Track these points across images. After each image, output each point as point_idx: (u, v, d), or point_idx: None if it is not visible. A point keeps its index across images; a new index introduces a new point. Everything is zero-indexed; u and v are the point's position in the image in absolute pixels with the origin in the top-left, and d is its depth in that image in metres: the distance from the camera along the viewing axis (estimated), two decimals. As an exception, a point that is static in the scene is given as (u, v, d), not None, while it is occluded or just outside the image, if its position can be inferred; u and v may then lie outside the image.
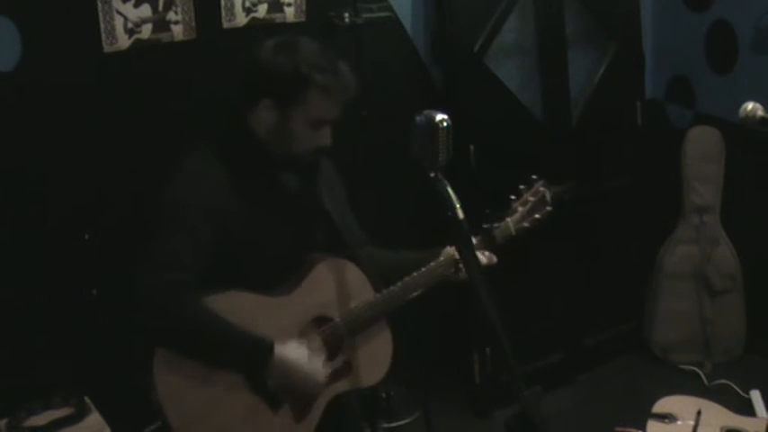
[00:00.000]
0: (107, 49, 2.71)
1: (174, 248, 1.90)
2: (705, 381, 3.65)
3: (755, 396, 3.42)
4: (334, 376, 2.08)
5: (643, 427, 2.95)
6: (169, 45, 2.83)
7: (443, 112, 1.63)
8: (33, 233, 2.70)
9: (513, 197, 2.23)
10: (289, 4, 3.03)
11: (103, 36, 2.70)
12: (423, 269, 2.12)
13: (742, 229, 3.75)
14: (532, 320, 3.55)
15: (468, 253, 1.60)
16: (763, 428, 2.88)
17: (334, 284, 2.09)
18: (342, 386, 2.11)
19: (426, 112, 1.64)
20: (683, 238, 3.82)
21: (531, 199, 2.22)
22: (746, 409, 3.31)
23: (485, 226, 2.19)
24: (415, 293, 2.12)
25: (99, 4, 2.67)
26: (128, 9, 2.73)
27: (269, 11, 3.00)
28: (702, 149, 3.77)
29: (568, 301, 3.73)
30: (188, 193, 1.95)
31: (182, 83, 2.85)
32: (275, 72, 1.95)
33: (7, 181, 2.64)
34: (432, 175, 1.61)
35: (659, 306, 3.87)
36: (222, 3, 2.90)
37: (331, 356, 2.09)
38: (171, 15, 2.82)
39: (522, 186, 2.23)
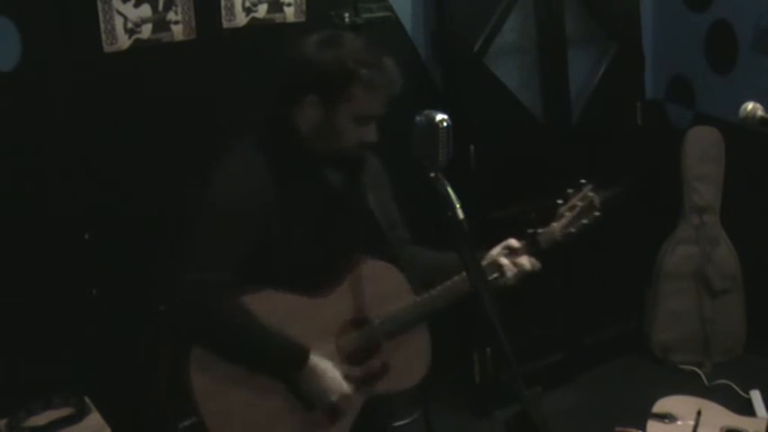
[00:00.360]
0: (107, 49, 2.71)
1: (207, 249, 1.88)
2: (705, 381, 3.65)
3: (755, 396, 3.42)
4: (371, 379, 2.05)
5: (643, 427, 2.95)
6: (169, 45, 2.83)
7: (443, 112, 1.63)
8: (33, 233, 2.70)
9: (560, 201, 2.15)
10: (289, 4, 3.03)
11: (103, 36, 2.70)
12: (464, 273, 2.00)
13: (742, 229, 3.75)
14: (532, 320, 3.55)
15: (468, 253, 1.60)
16: (763, 428, 2.88)
17: (374, 286, 2.04)
18: (378, 388, 2.07)
19: (426, 112, 1.64)
20: (683, 238, 3.82)
21: (579, 204, 2.15)
22: (746, 409, 3.31)
23: (529, 231, 2.12)
24: (456, 297, 2.06)
25: (99, 4, 2.67)
26: (128, 9, 2.73)
27: (269, 11, 3.00)
28: (702, 149, 3.76)
29: (568, 300, 3.73)
30: (226, 193, 1.92)
31: (182, 83, 2.85)
32: (321, 68, 1.92)
33: (7, 181, 2.64)
34: (432, 175, 1.61)
35: (659, 306, 3.87)
36: (222, 3, 2.90)
37: (368, 359, 2.05)
38: (171, 15, 2.81)
39: (569, 190, 2.16)
